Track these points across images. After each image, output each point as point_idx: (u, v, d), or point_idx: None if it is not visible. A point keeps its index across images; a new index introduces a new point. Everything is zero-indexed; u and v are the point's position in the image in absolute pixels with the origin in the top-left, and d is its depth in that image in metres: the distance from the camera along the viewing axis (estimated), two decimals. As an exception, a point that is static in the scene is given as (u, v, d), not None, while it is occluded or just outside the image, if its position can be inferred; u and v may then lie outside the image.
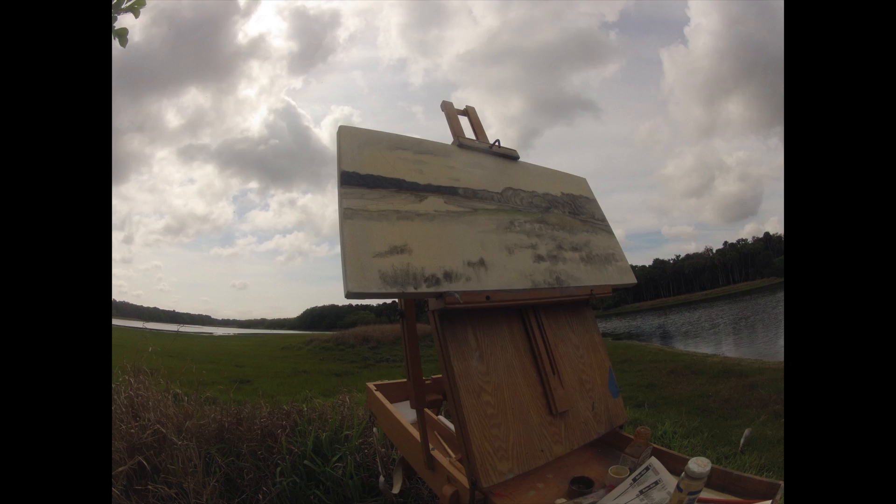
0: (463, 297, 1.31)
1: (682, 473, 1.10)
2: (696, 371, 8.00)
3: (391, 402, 2.15)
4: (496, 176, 1.75)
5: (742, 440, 3.67)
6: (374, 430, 2.67)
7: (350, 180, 1.33)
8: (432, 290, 1.27)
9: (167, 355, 4.44)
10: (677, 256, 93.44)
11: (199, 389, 3.84)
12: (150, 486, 2.39)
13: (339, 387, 4.69)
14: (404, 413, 1.98)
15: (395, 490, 2.17)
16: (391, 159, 1.46)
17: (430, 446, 1.60)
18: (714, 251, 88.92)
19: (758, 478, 1.29)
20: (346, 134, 1.43)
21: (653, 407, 5.40)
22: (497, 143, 1.86)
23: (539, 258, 1.62)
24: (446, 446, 1.88)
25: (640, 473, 1.27)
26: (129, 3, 1.45)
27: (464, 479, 1.36)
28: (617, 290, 1.88)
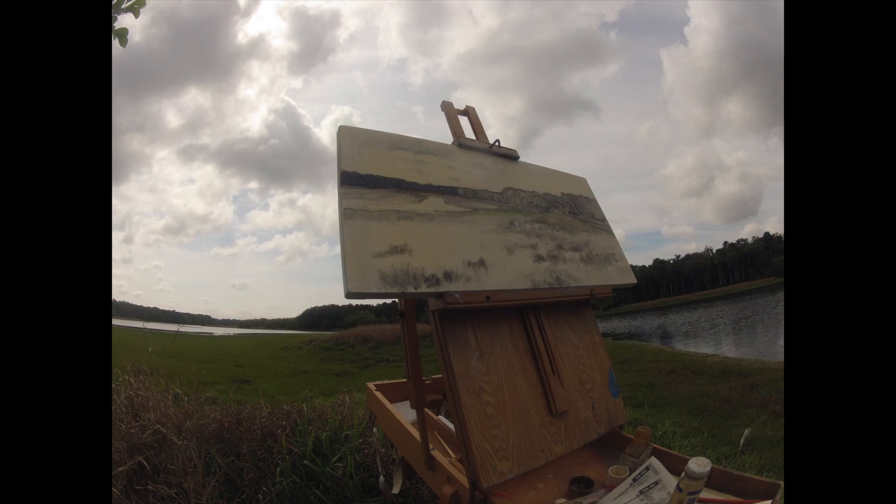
0: (463, 297, 1.31)
1: (682, 473, 1.10)
2: (696, 371, 8.00)
3: (391, 402, 2.15)
4: (496, 176, 1.75)
5: (742, 440, 3.67)
6: (374, 430, 2.67)
7: (350, 180, 1.33)
8: (432, 290, 1.27)
9: (167, 355, 4.44)
10: (677, 256, 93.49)
11: (199, 389, 3.84)
12: (150, 486, 2.39)
13: (339, 387, 4.69)
14: (404, 413, 1.98)
15: (395, 490, 2.17)
16: (391, 159, 1.46)
17: (430, 446, 1.60)
18: (714, 251, 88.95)
19: (758, 478, 1.29)
20: (346, 134, 1.43)
21: (653, 407, 5.40)
22: (497, 143, 1.86)
23: (539, 258, 1.62)
24: (446, 446, 1.88)
25: (640, 473, 1.27)
26: (129, 3, 1.45)
27: (464, 479, 1.36)
28: (617, 290, 1.88)
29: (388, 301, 1.57)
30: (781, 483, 1.21)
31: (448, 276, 1.31)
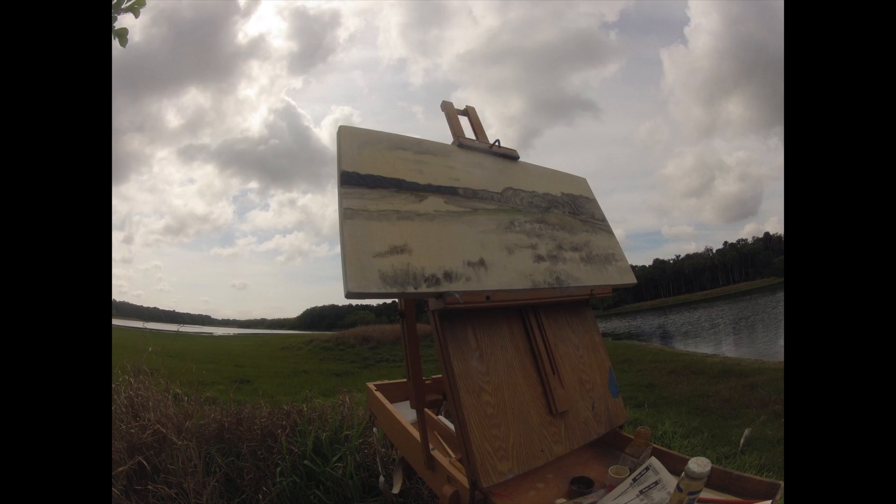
0: (463, 297, 1.31)
1: (682, 473, 1.10)
2: (696, 371, 7.99)
3: (391, 402, 2.15)
4: (496, 176, 1.75)
5: (742, 440, 3.67)
6: (374, 430, 2.67)
7: (350, 180, 1.33)
8: (432, 290, 1.27)
9: (167, 355, 4.44)
10: (677, 256, 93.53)
11: (199, 389, 3.84)
12: (150, 486, 2.39)
13: (339, 387, 4.69)
14: (404, 413, 1.98)
15: (395, 490, 2.17)
16: (391, 159, 1.46)
17: (430, 446, 1.60)
18: (714, 251, 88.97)
19: (758, 478, 1.29)
20: (346, 134, 1.43)
21: (653, 407, 5.40)
22: (497, 143, 1.86)
23: (539, 258, 1.62)
24: (446, 446, 1.88)
25: (640, 473, 1.27)
26: (129, 3, 1.45)
27: (464, 479, 1.36)
28: (617, 290, 1.88)
29: (388, 301, 1.57)
30: (781, 483, 1.21)
31: (448, 276, 1.31)
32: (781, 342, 12.21)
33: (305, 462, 2.66)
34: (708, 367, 8.26)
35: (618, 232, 2.08)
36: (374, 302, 1.88)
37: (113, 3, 1.41)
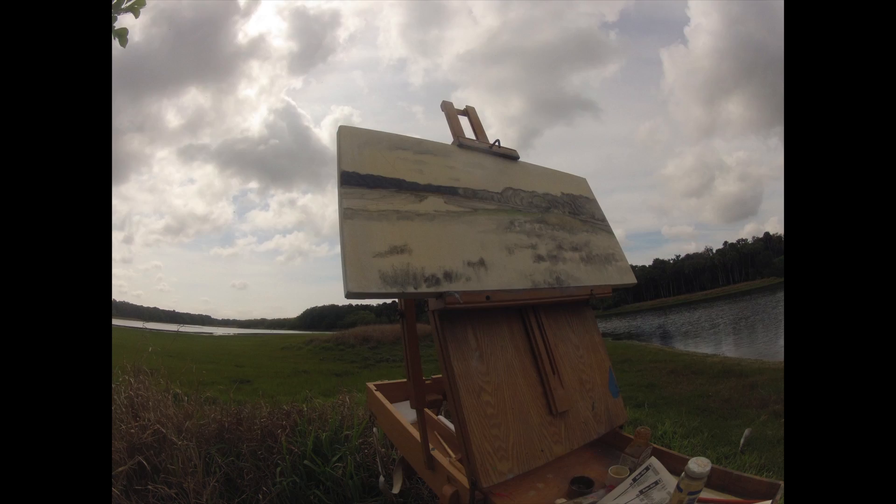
0: (463, 297, 1.31)
1: (682, 473, 1.10)
2: (696, 371, 7.99)
3: (391, 402, 2.15)
4: (496, 176, 1.75)
5: (742, 440, 3.67)
6: (374, 430, 2.67)
7: (350, 180, 1.33)
8: (432, 290, 1.27)
9: (167, 355, 4.44)
10: (677, 256, 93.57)
11: (199, 389, 3.84)
12: (150, 486, 2.39)
13: (339, 387, 4.69)
14: (404, 413, 1.98)
15: (395, 490, 2.17)
16: (391, 159, 1.46)
17: (430, 446, 1.60)
18: (714, 251, 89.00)
19: (758, 478, 1.29)
20: (346, 134, 1.43)
21: (653, 407, 5.40)
22: (497, 143, 1.86)
23: (539, 258, 1.62)
24: (446, 446, 1.88)
25: (640, 473, 1.27)
26: (129, 3, 1.45)
27: (464, 479, 1.36)
28: (617, 290, 1.88)
29: (388, 301, 1.57)
30: (781, 483, 1.21)
31: (448, 276, 1.31)
32: (781, 342, 12.20)
33: (305, 462, 2.66)
34: (708, 367, 8.26)
35: (618, 232, 2.08)
36: (374, 302, 1.89)
37: (113, 3, 1.41)
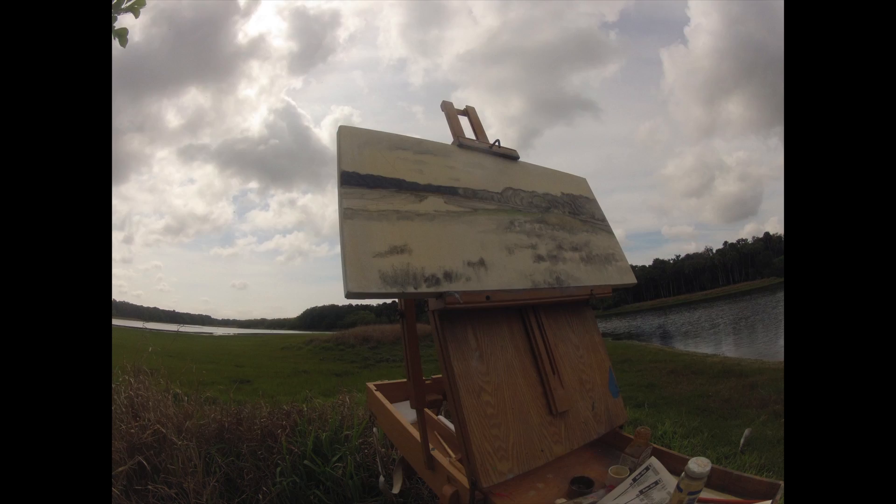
0: (463, 297, 1.31)
1: (682, 473, 1.10)
2: (696, 371, 7.99)
3: (391, 402, 2.15)
4: (496, 176, 1.75)
5: (742, 440, 3.67)
6: (374, 430, 2.67)
7: (350, 180, 1.33)
8: (432, 290, 1.27)
9: (167, 355, 4.44)
10: (677, 256, 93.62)
11: (199, 389, 3.84)
12: (150, 486, 2.39)
13: (339, 387, 4.69)
14: (404, 413, 1.98)
15: (395, 490, 2.17)
16: (391, 159, 1.46)
17: (430, 446, 1.60)
18: (714, 251, 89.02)
19: (758, 478, 1.29)
20: (346, 134, 1.43)
21: (653, 407, 5.40)
22: (497, 144, 1.86)
23: (539, 258, 1.62)
24: (446, 446, 1.88)
25: (640, 473, 1.27)
26: (129, 3, 1.45)
27: (464, 479, 1.36)
28: (617, 290, 1.88)
29: (388, 301, 1.57)
30: (781, 483, 1.21)
31: (448, 276, 1.31)
32: (781, 342, 12.20)
33: (305, 462, 2.66)
34: (708, 367, 8.26)
35: (618, 232, 2.09)
36: (374, 302, 1.89)
37: (113, 3, 1.41)
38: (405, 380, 1.74)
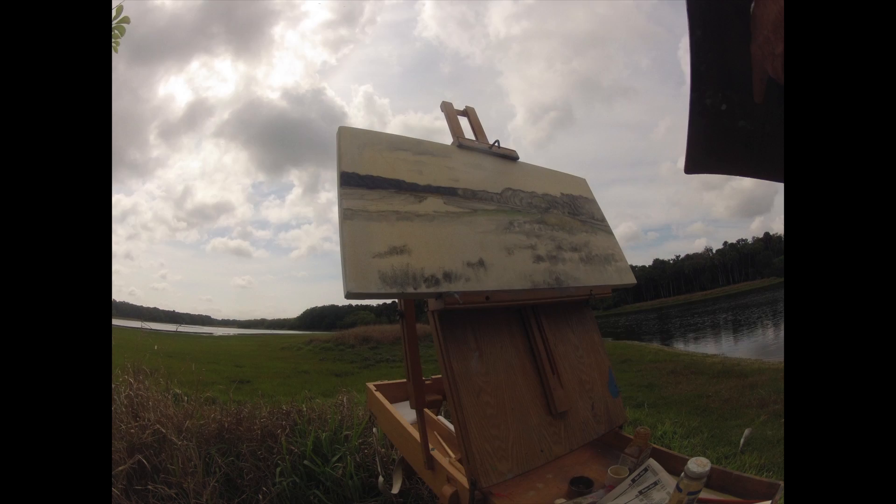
0: (462, 298, 1.31)
1: (682, 473, 1.10)
2: (696, 371, 7.99)
3: (391, 402, 2.15)
4: (495, 176, 1.75)
5: (742, 440, 3.67)
6: (374, 430, 2.67)
7: (350, 181, 1.33)
8: (432, 290, 1.27)
9: (167, 355, 4.44)
10: (677, 257, 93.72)
11: (199, 389, 3.84)
12: (150, 486, 2.39)
13: (339, 387, 4.70)
14: (404, 413, 1.98)
15: (395, 490, 2.17)
16: (391, 160, 1.46)
17: (430, 446, 1.60)
18: (714, 251, 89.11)
19: (758, 478, 1.29)
20: (346, 135, 1.43)
21: (653, 407, 5.40)
22: (496, 144, 1.86)
23: (538, 258, 1.62)
24: (446, 446, 1.88)
25: (638, 474, 1.27)
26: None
27: (463, 479, 1.36)
28: (617, 290, 1.88)
29: (388, 301, 1.57)
30: (781, 483, 1.21)
31: (448, 276, 1.31)
32: (781, 342, 12.20)
33: (305, 462, 2.66)
34: (708, 367, 8.26)
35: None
36: (373, 302, 1.89)
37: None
38: (405, 380, 1.74)
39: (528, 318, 1.58)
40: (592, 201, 2.09)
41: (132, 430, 2.68)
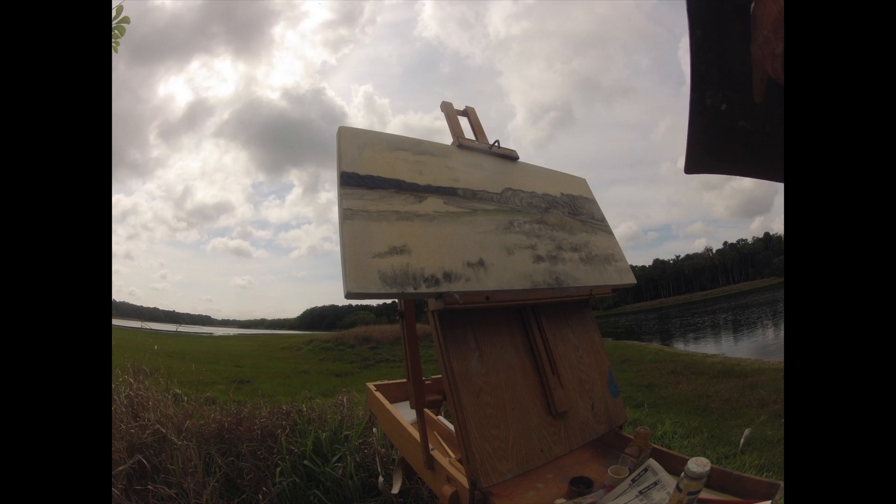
0: (462, 298, 1.31)
1: (682, 473, 1.10)
2: (696, 371, 7.99)
3: (391, 402, 2.15)
4: (495, 176, 1.75)
5: (742, 440, 3.67)
6: (374, 430, 2.67)
7: (350, 181, 1.33)
8: (432, 290, 1.27)
9: (167, 355, 4.44)
10: (677, 257, 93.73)
11: (199, 389, 3.84)
12: (150, 486, 2.39)
13: (339, 387, 4.70)
14: (404, 413, 1.98)
15: (395, 490, 2.17)
16: (391, 160, 1.46)
17: (430, 446, 1.60)
18: (714, 251, 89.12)
19: (758, 478, 1.29)
20: (346, 135, 1.43)
21: (653, 407, 5.40)
22: (496, 144, 1.86)
23: (538, 258, 1.62)
24: (446, 446, 1.88)
25: (638, 474, 1.27)
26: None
27: (463, 479, 1.36)
28: (617, 290, 1.88)
29: (388, 301, 1.57)
30: (781, 483, 1.21)
31: (448, 276, 1.31)
32: (781, 342, 12.20)
33: (305, 462, 2.66)
34: (708, 367, 8.26)
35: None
36: (374, 302, 1.89)
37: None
38: (405, 380, 1.74)
39: (528, 318, 1.58)
40: (592, 201, 2.09)
41: (132, 430, 2.68)
